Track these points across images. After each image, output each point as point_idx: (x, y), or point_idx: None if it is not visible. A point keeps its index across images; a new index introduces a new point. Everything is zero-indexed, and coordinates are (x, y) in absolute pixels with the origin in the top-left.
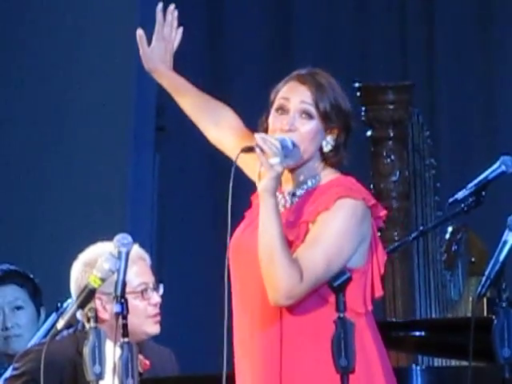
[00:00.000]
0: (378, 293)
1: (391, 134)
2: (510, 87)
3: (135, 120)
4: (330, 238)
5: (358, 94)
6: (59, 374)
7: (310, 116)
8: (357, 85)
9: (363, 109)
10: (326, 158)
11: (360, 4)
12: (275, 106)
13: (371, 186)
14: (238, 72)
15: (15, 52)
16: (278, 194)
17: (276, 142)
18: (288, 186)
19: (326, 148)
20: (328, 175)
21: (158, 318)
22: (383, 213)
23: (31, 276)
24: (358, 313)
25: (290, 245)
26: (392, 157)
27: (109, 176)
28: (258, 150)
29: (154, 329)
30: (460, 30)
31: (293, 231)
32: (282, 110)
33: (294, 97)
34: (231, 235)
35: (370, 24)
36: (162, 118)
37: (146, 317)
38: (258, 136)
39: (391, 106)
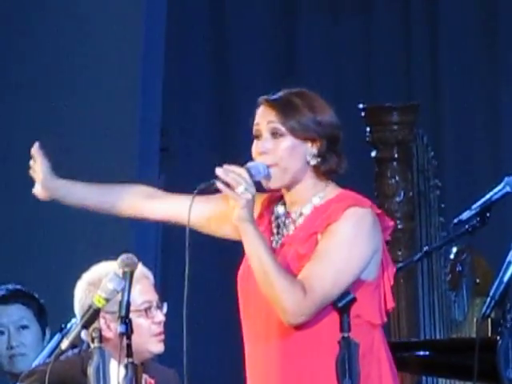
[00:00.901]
0: (390, 304)
1: (396, 155)
2: None
3: (140, 141)
4: (339, 249)
5: (363, 114)
6: None
7: (280, 134)
8: (361, 106)
9: (368, 129)
10: (316, 171)
11: (365, 25)
12: (253, 134)
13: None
14: (243, 91)
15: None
16: (286, 219)
17: (239, 170)
18: (294, 207)
19: (312, 160)
20: (333, 190)
21: (162, 337)
22: (390, 224)
23: (36, 296)
24: (374, 324)
25: (301, 258)
26: (396, 177)
27: None
28: (219, 184)
29: (158, 347)
30: (465, 52)
31: (304, 245)
32: (257, 136)
33: (262, 120)
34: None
35: (374, 44)
36: (167, 139)
37: (149, 335)
38: (219, 169)
39: (396, 127)
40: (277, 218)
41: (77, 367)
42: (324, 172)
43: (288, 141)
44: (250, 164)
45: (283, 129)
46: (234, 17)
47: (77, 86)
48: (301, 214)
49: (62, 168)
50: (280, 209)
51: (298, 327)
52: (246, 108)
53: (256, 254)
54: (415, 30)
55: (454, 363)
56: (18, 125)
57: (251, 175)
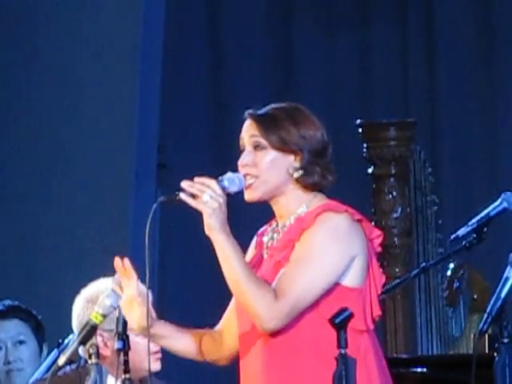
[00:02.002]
0: (377, 312)
1: (393, 171)
2: None
3: (137, 157)
4: (312, 255)
5: (360, 130)
6: None
7: (261, 147)
8: (358, 122)
9: (365, 146)
10: (300, 183)
11: (362, 41)
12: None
13: (373, 222)
14: (240, 107)
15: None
16: (274, 233)
17: (207, 181)
18: (282, 220)
19: (295, 173)
20: (320, 201)
21: (159, 355)
22: (377, 234)
23: (34, 312)
24: (359, 330)
25: (278, 266)
26: (394, 194)
27: (110, 212)
28: (183, 195)
29: (154, 366)
30: (462, 67)
31: (281, 253)
32: (242, 150)
33: (245, 134)
34: None
35: (371, 60)
36: (164, 155)
37: (146, 354)
38: (184, 181)
39: (393, 143)
40: (268, 238)
41: (74, 383)
42: (308, 185)
43: (269, 154)
44: (225, 176)
45: (265, 142)
46: (231, 35)
47: (74, 102)
48: (285, 226)
49: (60, 184)
50: (266, 237)
51: (279, 337)
52: (243, 124)
53: (227, 262)
54: (412, 46)
55: (450, 379)
56: (14, 140)
57: (224, 187)
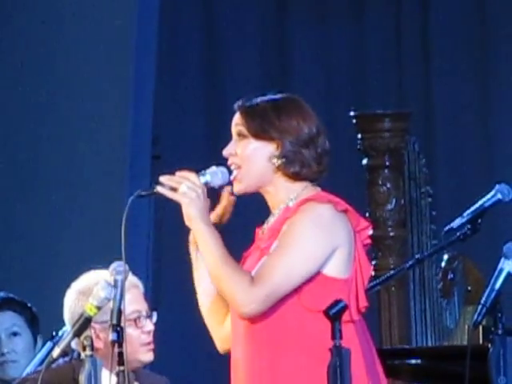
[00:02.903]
0: (363, 303)
1: (387, 163)
2: (506, 115)
3: (131, 149)
4: (292, 243)
5: (354, 121)
6: None
7: (243, 136)
8: (353, 113)
9: (359, 137)
10: (284, 173)
11: (357, 32)
12: None
13: (367, 214)
14: (235, 100)
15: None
16: (265, 225)
17: (185, 173)
18: (273, 211)
19: (277, 162)
20: (310, 192)
21: (152, 346)
22: (365, 225)
23: (29, 304)
24: (343, 321)
25: (262, 254)
26: (388, 185)
27: (104, 204)
28: (160, 188)
29: (147, 357)
30: (456, 59)
31: (266, 242)
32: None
33: (232, 124)
34: None
35: (366, 51)
36: (158, 147)
37: (139, 345)
38: (162, 177)
39: (387, 134)
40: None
41: (68, 375)
42: (290, 174)
43: (250, 143)
44: (208, 169)
45: (245, 131)
46: (225, 24)
47: (68, 93)
48: (274, 216)
49: (55, 174)
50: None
51: (260, 326)
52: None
53: (207, 251)
54: (407, 37)
55: (445, 371)
56: (10, 128)
57: (207, 181)
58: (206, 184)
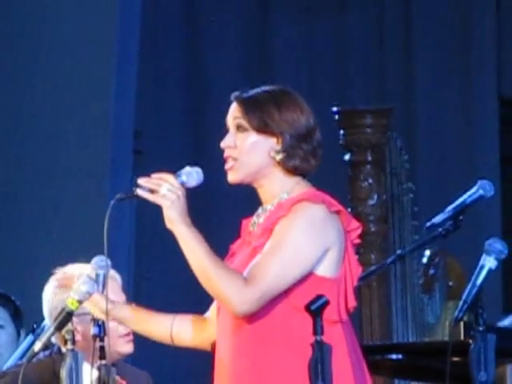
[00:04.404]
0: (352, 303)
1: (369, 158)
2: (488, 112)
3: (112, 143)
4: (285, 243)
5: (337, 117)
6: None
7: (243, 129)
8: (335, 109)
9: (341, 132)
10: (283, 167)
11: (339, 27)
12: None
13: (349, 209)
14: (217, 94)
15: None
16: (256, 219)
17: (164, 175)
18: (265, 205)
19: (277, 156)
20: (302, 188)
21: (131, 337)
22: (356, 225)
23: (12, 298)
24: (331, 321)
25: (254, 252)
26: (370, 181)
27: (86, 199)
28: (139, 191)
29: (126, 348)
30: (439, 55)
31: (258, 240)
32: (227, 132)
33: (230, 116)
34: None
35: (348, 47)
36: (140, 142)
37: (117, 336)
38: (141, 178)
39: (369, 130)
40: (251, 223)
41: (48, 369)
42: (290, 168)
43: (250, 136)
44: (183, 170)
45: (246, 124)
46: (208, 17)
47: (50, 87)
48: (266, 211)
49: (36, 169)
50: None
51: (249, 325)
52: (221, 111)
53: (191, 253)
54: (389, 33)
55: (426, 366)
56: None
57: (183, 181)
58: (182, 184)
